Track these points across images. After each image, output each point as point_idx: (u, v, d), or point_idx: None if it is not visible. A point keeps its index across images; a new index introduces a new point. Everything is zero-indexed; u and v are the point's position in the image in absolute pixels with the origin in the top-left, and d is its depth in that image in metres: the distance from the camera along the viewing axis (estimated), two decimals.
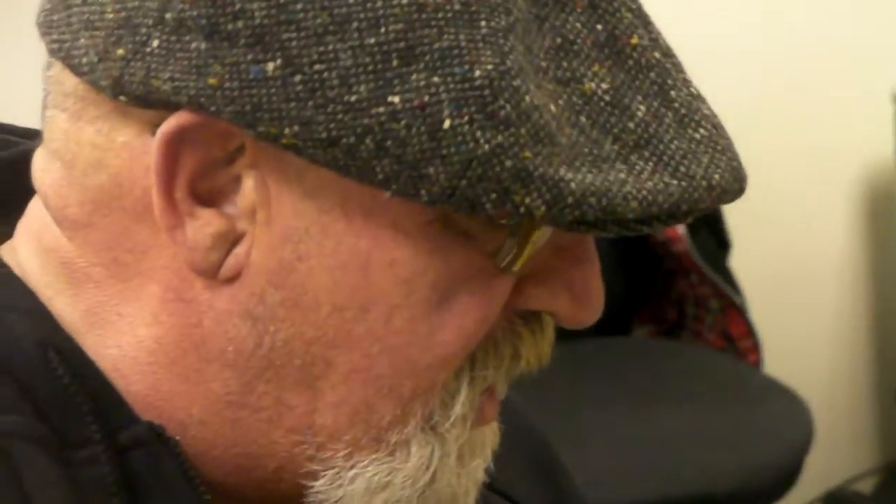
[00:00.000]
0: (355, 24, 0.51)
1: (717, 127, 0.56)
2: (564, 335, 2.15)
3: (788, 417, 1.87)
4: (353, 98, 0.51)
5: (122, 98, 0.54)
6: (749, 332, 2.08)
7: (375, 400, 0.57)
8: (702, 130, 0.55)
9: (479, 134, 0.51)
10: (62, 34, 0.56)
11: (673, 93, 0.55)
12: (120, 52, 0.54)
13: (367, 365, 0.56)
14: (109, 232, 0.57)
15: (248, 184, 0.55)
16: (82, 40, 0.55)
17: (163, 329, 0.57)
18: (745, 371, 2.04)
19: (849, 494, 2.38)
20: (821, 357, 2.45)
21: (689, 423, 1.83)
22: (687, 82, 0.56)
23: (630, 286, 2.13)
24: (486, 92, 0.51)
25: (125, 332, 0.57)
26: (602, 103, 0.54)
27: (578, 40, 0.54)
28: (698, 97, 0.56)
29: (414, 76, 0.51)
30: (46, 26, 0.57)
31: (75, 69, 0.55)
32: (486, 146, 0.51)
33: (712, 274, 2.04)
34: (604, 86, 0.54)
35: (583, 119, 0.54)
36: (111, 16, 0.54)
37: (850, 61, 2.32)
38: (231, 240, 0.55)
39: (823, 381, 2.40)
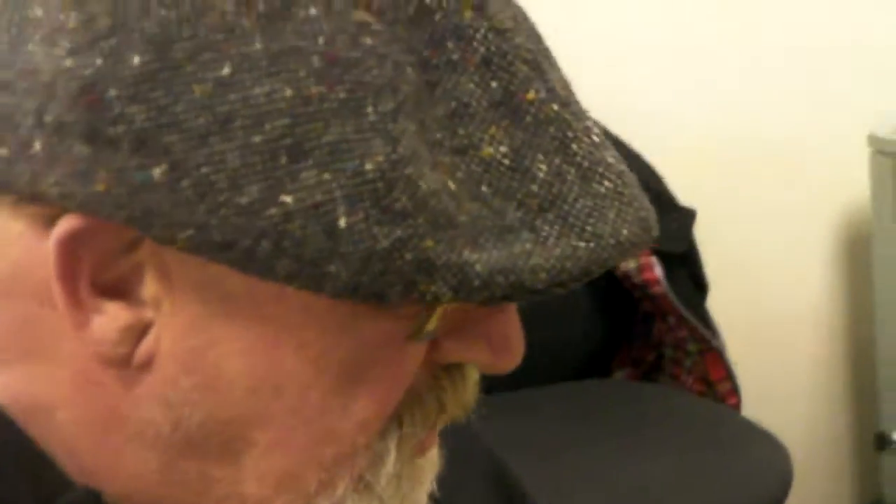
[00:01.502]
0: (239, 123, 0.50)
1: (622, 175, 0.55)
2: (545, 378, 2.14)
3: (768, 461, 1.87)
4: (245, 200, 0.50)
5: (8, 197, 0.53)
6: (728, 375, 2.07)
7: (298, 469, 0.56)
8: (606, 183, 0.54)
9: (376, 230, 0.50)
10: None
11: (574, 146, 0.54)
12: (2, 151, 0.52)
13: (285, 438, 0.56)
14: (14, 317, 0.56)
15: (150, 275, 0.53)
16: None
17: (79, 411, 0.56)
18: (725, 414, 2.04)
19: None
20: (800, 401, 2.45)
21: (669, 466, 1.83)
22: (588, 130, 0.55)
23: (608, 329, 2.12)
24: (380, 185, 0.50)
25: (42, 416, 0.56)
26: (502, 168, 0.53)
27: (473, 102, 0.53)
28: (601, 145, 0.55)
29: (304, 173, 0.50)
30: None
31: None
32: (385, 241, 0.50)
33: (690, 317, 2.04)
34: (502, 149, 0.53)
35: (484, 188, 0.53)
36: None
37: (826, 105, 2.33)
38: (139, 330, 0.54)
39: (802, 425, 2.40)
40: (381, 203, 0.50)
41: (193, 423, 0.55)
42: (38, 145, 0.51)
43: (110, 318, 0.54)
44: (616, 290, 2.07)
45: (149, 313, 0.54)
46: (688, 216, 2.09)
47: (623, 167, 0.55)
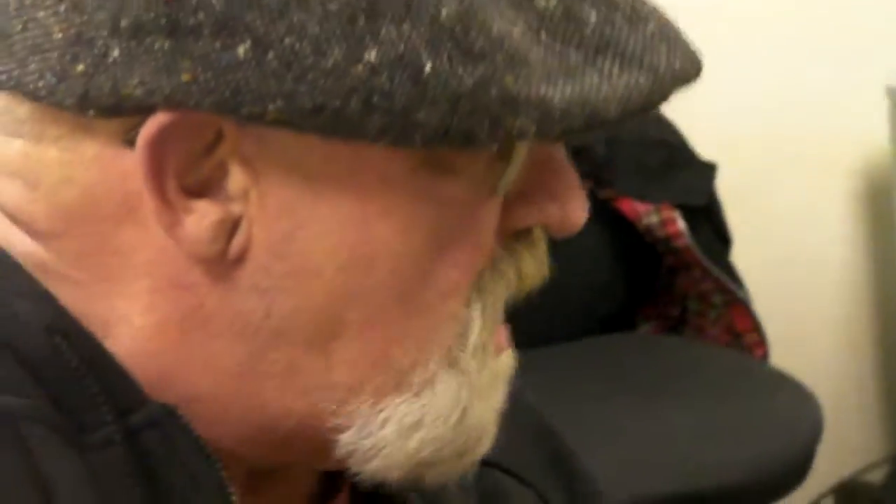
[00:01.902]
0: None
1: (663, 19, 0.58)
2: (570, 333, 2.14)
3: (796, 410, 1.87)
4: (330, 63, 0.52)
5: (90, 112, 0.54)
6: (754, 326, 2.07)
7: (391, 347, 0.58)
8: (651, 25, 0.57)
9: (460, 70, 0.53)
10: (6, 65, 0.56)
11: None
12: (80, 68, 0.54)
13: (378, 315, 0.58)
14: (88, 240, 0.57)
15: (235, 168, 0.56)
16: (32, 65, 0.55)
17: (161, 315, 0.58)
18: (751, 365, 2.04)
19: (859, 485, 2.38)
20: (827, 349, 2.44)
21: (696, 417, 1.83)
22: None
23: (632, 283, 2.12)
24: (457, 28, 0.53)
25: (118, 325, 0.58)
26: (556, 18, 0.56)
27: None
28: None
29: (384, 29, 0.52)
30: None
31: (31, 94, 0.55)
32: (470, 80, 0.53)
33: (714, 269, 2.04)
34: (553, 1, 0.56)
35: (544, 36, 0.55)
36: (60, 35, 0.54)
37: (843, 55, 2.32)
38: (230, 224, 0.56)
39: (830, 373, 2.39)
40: (460, 45, 0.53)
41: (286, 310, 0.57)
42: (116, 52, 0.53)
43: (200, 215, 0.56)
44: (639, 244, 2.07)
45: (237, 207, 0.56)
46: (709, 170, 2.10)
47: (662, 11, 0.59)
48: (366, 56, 0.52)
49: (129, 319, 0.58)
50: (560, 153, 0.61)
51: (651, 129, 2.06)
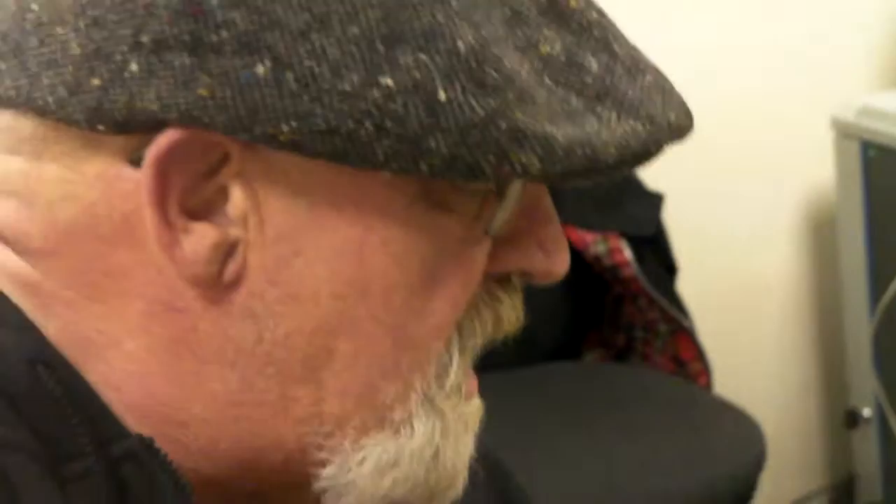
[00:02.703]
0: (336, 18, 0.53)
1: (659, 72, 0.60)
2: (516, 361, 2.12)
3: (741, 438, 1.87)
4: (347, 86, 0.53)
5: (100, 127, 0.55)
6: (698, 354, 2.08)
7: (378, 380, 0.59)
8: (648, 77, 0.59)
9: (473, 101, 0.54)
10: (16, 80, 0.56)
11: (616, 46, 0.59)
12: (95, 81, 0.54)
13: (367, 346, 0.58)
14: (80, 259, 0.58)
15: (237, 192, 0.56)
16: (45, 80, 0.55)
17: (152, 339, 0.58)
18: (696, 393, 2.04)
19: None
20: (770, 381, 2.46)
21: (641, 446, 1.83)
22: (623, 36, 0.60)
23: (579, 311, 2.12)
24: (472, 61, 0.54)
25: (109, 348, 0.58)
26: (559, 64, 0.57)
27: (524, 9, 0.57)
28: (636, 49, 0.60)
29: (401, 57, 0.53)
30: None
31: (38, 110, 0.56)
32: (482, 112, 0.54)
33: (660, 298, 2.05)
34: (557, 47, 0.57)
35: (547, 80, 0.57)
36: (78, 50, 0.55)
37: (788, 86, 2.34)
38: (227, 247, 0.57)
39: (773, 402, 2.40)
40: (474, 77, 0.54)
41: (278, 336, 0.57)
42: (134, 66, 0.54)
43: (199, 236, 0.56)
44: (586, 273, 2.07)
45: (235, 231, 0.57)
46: (656, 200, 2.10)
47: (657, 66, 0.61)
48: (382, 81, 0.53)
49: (120, 342, 0.58)
50: (548, 202, 0.63)
51: None
